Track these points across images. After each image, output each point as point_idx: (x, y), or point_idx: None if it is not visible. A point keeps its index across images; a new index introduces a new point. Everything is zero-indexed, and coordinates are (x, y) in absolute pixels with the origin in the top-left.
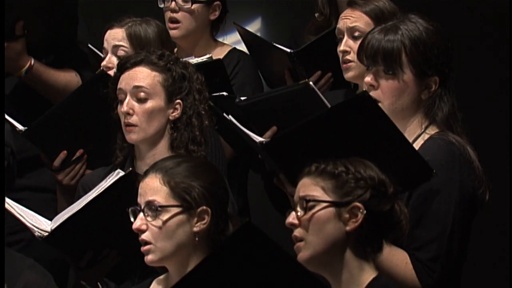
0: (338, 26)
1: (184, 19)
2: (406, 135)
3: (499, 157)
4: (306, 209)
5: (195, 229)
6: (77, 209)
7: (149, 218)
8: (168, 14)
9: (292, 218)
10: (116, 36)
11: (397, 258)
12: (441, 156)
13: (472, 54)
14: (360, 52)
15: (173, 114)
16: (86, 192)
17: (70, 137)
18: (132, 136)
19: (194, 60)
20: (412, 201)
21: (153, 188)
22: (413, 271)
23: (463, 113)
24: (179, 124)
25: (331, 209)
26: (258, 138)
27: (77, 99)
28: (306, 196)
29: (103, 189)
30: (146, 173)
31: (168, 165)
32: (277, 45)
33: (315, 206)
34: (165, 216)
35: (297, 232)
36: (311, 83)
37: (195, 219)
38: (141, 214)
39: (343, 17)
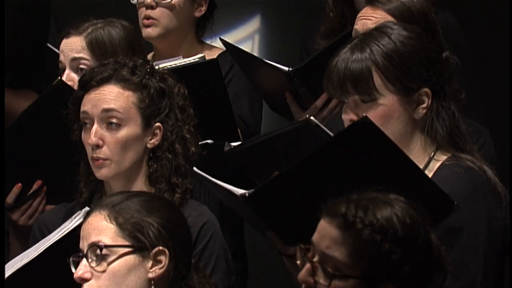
0: (355, 27)
1: (162, 17)
2: None
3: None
4: (330, 277)
5: (150, 275)
6: (35, 255)
7: (93, 264)
8: (143, 12)
9: (307, 275)
10: (73, 47)
11: None
12: (462, 187)
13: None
14: (326, 83)
15: (152, 141)
16: (43, 234)
17: (25, 166)
18: (103, 172)
19: (182, 61)
20: None
21: (97, 228)
22: None
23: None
24: (159, 152)
25: (358, 284)
26: (238, 191)
27: (31, 119)
28: (331, 259)
29: (66, 231)
30: (89, 213)
31: (115, 200)
32: (272, 63)
33: (339, 277)
34: (112, 259)
35: None
36: (312, 118)
37: (150, 263)
38: (84, 261)
39: (362, 17)
